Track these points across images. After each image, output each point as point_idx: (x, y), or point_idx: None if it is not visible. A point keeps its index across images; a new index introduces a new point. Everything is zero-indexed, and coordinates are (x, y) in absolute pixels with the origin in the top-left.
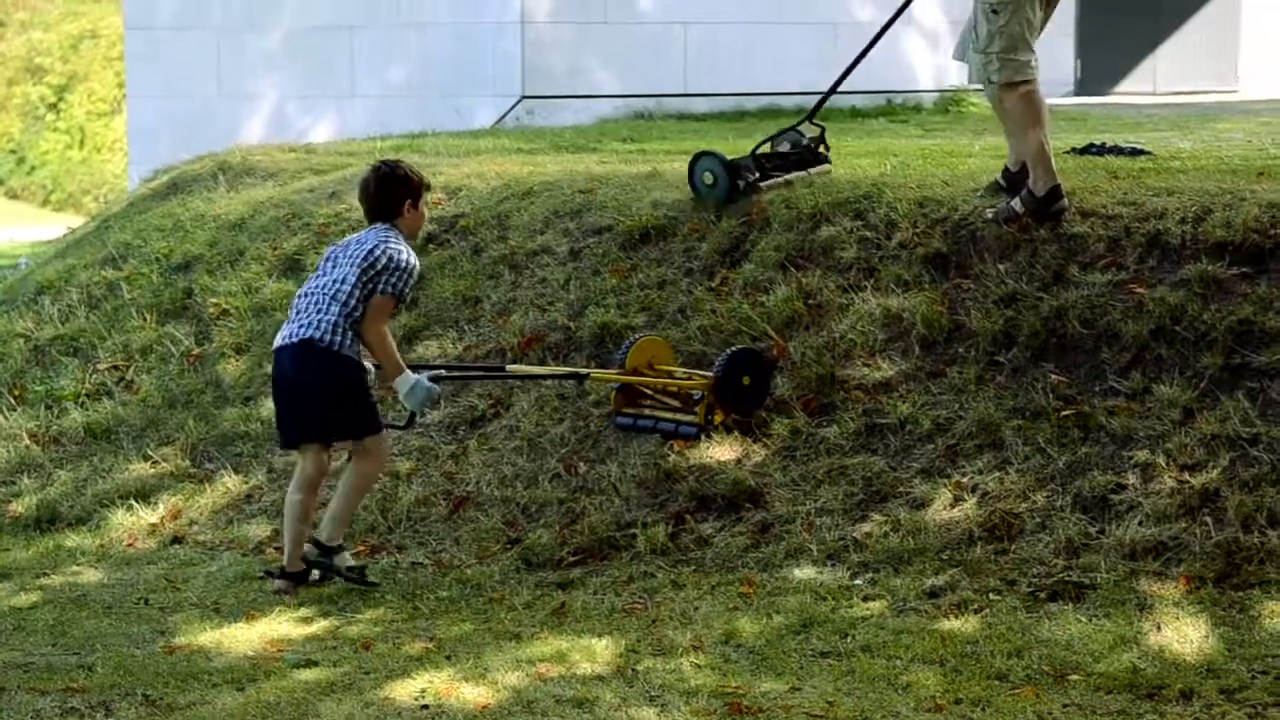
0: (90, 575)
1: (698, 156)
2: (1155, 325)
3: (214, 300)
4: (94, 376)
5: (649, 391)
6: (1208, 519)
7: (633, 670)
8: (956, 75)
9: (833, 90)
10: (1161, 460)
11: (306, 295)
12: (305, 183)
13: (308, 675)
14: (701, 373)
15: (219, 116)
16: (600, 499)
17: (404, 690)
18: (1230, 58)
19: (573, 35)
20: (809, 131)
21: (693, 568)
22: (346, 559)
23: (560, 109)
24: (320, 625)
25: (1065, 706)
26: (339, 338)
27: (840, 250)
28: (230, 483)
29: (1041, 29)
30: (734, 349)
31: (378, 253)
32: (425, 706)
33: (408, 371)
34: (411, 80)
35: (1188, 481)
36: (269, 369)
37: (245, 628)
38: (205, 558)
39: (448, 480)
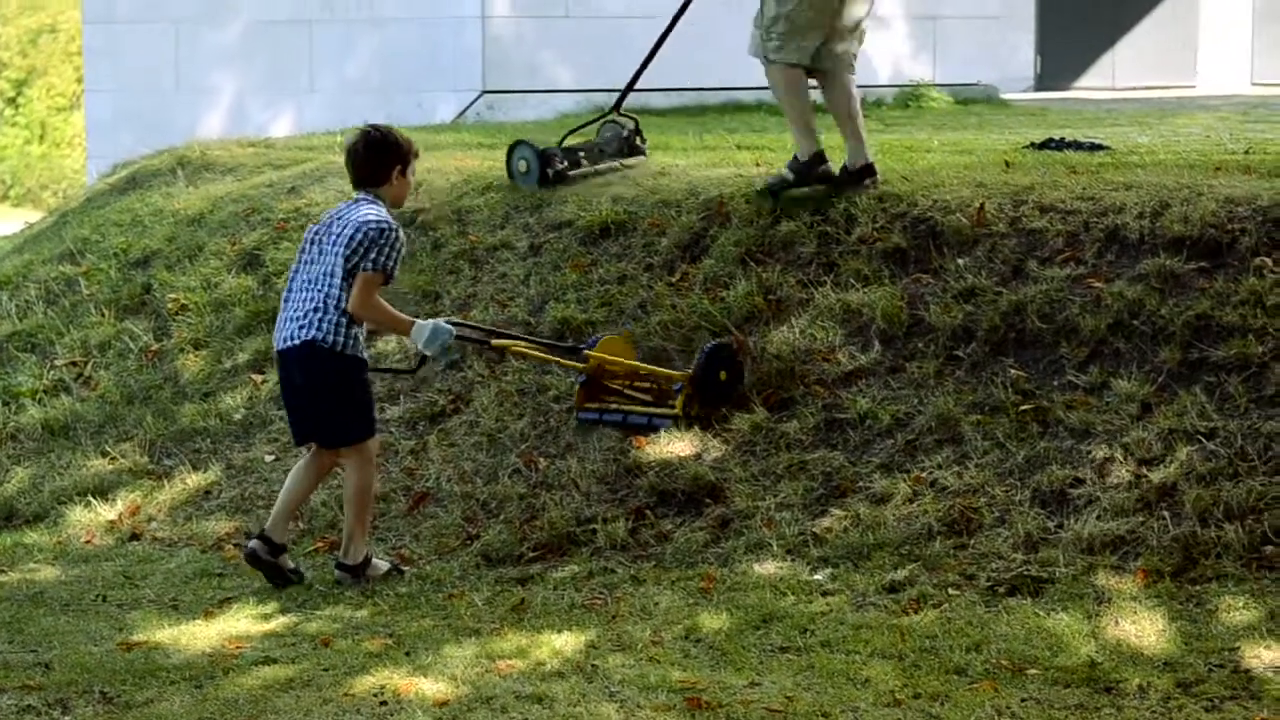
0: (48, 572)
1: (514, 145)
2: (1113, 320)
3: (173, 296)
4: (52, 373)
5: (616, 386)
6: (1165, 513)
7: (592, 666)
8: (915, 71)
9: (631, 86)
10: (1119, 454)
11: (299, 289)
12: (264, 178)
13: (266, 672)
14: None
15: (178, 111)
16: (560, 494)
17: (363, 686)
18: (1189, 53)
19: (533, 30)
20: (627, 123)
21: (653, 563)
22: (380, 567)
23: (521, 104)
24: (279, 622)
25: (1023, 700)
26: (341, 338)
27: (800, 245)
28: (189, 479)
29: (853, 29)
30: (712, 344)
31: (359, 236)
32: (384, 703)
33: (418, 320)
34: (371, 75)
35: (1145, 476)
36: (227, 364)
37: (203, 625)
38: (164, 554)
39: (407, 476)
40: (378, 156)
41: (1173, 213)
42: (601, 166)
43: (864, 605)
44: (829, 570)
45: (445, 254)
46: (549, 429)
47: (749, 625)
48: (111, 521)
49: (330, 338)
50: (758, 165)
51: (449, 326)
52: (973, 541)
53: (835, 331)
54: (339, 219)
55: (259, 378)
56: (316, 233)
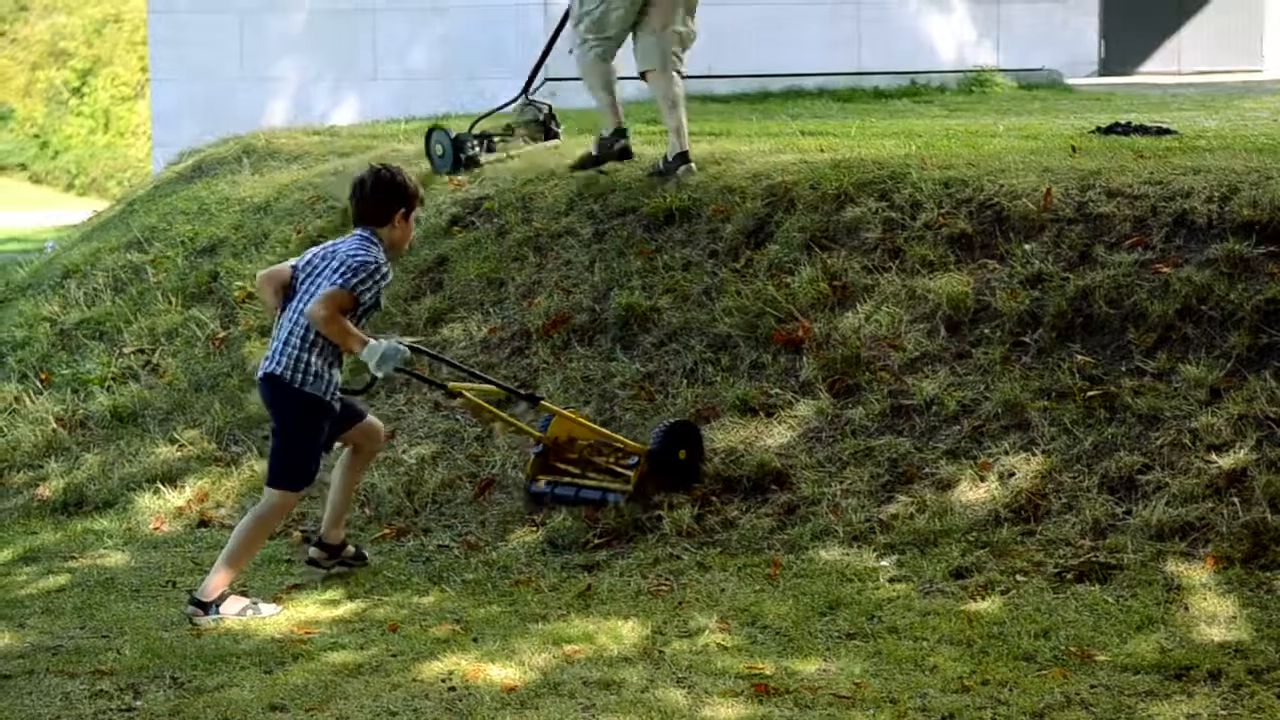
0: (117, 558)
1: (430, 130)
2: (1181, 305)
3: (239, 283)
4: (120, 360)
5: (572, 457)
6: (1235, 499)
7: (659, 652)
8: (979, 56)
9: (536, 70)
10: (1188, 440)
11: (282, 322)
12: (329, 165)
13: (335, 658)
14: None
15: (242, 99)
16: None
17: (431, 672)
18: (1255, 37)
19: None
20: (542, 107)
21: (719, 549)
22: (235, 606)
23: (584, 91)
24: (347, 608)
25: (1092, 687)
26: (301, 374)
27: (865, 231)
28: (256, 465)
29: (676, 23)
30: (672, 420)
31: (340, 267)
32: (452, 688)
33: (370, 341)
34: (434, 62)
35: (1214, 462)
36: None
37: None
38: None
39: (473, 463)
40: (384, 196)
41: (1241, 197)
42: (516, 150)
43: (931, 592)
44: (895, 557)
45: (510, 241)
46: (614, 416)
47: (815, 612)
48: (180, 508)
49: (289, 373)
50: (821, 151)
51: (401, 347)
52: (1040, 528)
53: (901, 317)
54: (326, 253)
55: None
56: (312, 259)
